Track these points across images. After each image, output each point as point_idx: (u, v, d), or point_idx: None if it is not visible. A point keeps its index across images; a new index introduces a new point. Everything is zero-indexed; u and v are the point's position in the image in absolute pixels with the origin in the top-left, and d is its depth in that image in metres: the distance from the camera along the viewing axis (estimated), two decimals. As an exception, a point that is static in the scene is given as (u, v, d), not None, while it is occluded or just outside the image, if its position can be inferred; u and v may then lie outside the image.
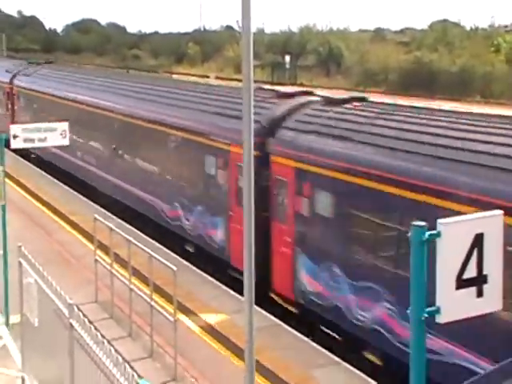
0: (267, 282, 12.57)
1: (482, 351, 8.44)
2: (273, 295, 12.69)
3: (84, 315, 7.87)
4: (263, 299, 11.80)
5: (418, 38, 64.71)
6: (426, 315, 3.87)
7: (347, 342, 10.94)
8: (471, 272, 3.91)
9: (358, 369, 10.12)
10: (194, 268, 14.46)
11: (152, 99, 19.15)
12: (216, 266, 14.42)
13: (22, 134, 14.08)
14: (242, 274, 6.96)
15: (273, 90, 16.23)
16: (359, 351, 10.59)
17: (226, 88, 21.23)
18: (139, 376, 7.37)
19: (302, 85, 55.60)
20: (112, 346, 7.11)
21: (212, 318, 11.99)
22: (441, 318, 3.88)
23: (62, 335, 8.03)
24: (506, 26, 59.40)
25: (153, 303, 10.79)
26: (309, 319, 11.81)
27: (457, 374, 8.59)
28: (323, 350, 10.71)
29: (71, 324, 7.72)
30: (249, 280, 6.58)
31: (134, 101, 19.83)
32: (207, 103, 16.48)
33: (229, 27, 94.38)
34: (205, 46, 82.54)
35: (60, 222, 18.35)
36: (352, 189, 10.80)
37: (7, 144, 12.77)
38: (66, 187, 22.36)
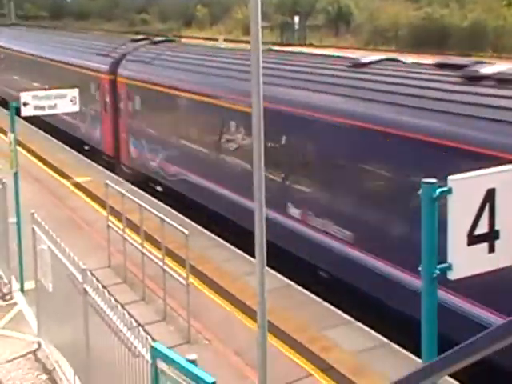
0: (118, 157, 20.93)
1: None
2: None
3: (97, 280, 7.93)
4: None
5: (429, -7, 63.66)
6: (438, 272, 3.84)
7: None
8: (483, 228, 3.86)
9: (371, 328, 10.16)
10: (206, 231, 14.51)
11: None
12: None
13: (33, 102, 14.05)
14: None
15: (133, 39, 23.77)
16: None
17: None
18: (153, 339, 7.45)
19: (311, 45, 55.01)
20: (126, 310, 7.20)
21: (224, 281, 12.05)
22: (452, 275, 3.85)
23: (76, 300, 8.10)
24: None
25: (165, 267, 10.84)
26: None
27: None
28: (336, 310, 10.75)
29: (85, 289, 7.78)
30: (260, 241, 6.57)
31: None
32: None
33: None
34: (213, 9, 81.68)
35: (72, 188, 18.42)
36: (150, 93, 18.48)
37: (18, 112, 12.76)
38: (77, 153, 22.41)
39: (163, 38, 23.55)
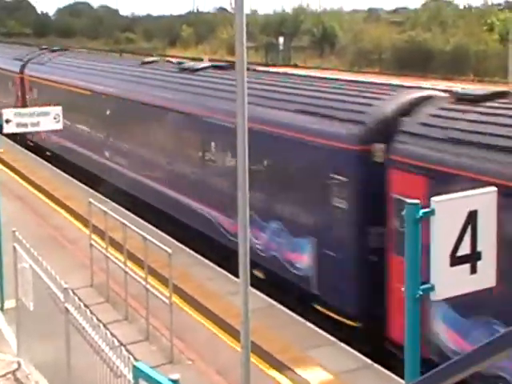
0: None
1: None
2: None
3: (79, 299, 7.87)
4: None
5: (412, 17, 64.48)
6: (421, 293, 3.87)
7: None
8: (465, 249, 3.90)
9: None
10: (189, 250, 14.47)
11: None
12: None
13: (15, 119, 13.99)
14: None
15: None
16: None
17: None
18: (135, 359, 7.39)
19: (295, 66, 55.39)
20: (108, 329, 7.12)
21: (207, 300, 12.01)
22: (435, 296, 3.88)
23: (58, 319, 8.03)
24: (500, 5, 59.21)
25: (148, 286, 10.79)
26: None
27: None
28: (319, 331, 10.74)
29: (67, 308, 7.71)
30: (243, 261, 6.58)
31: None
32: None
33: (222, 9, 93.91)
34: (198, 28, 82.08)
35: (54, 206, 18.31)
36: None
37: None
38: (60, 171, 22.30)
39: (59, 47, 32.56)
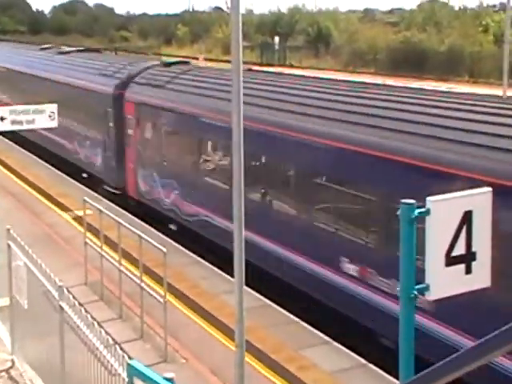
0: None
1: None
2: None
3: (74, 297, 7.87)
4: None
5: (407, 18, 64.59)
6: (416, 293, 3.88)
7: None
8: (460, 249, 3.92)
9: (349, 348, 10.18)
10: (184, 249, 14.46)
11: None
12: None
13: (10, 116, 13.96)
14: None
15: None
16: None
17: None
18: (130, 357, 7.39)
19: (291, 66, 55.41)
20: (102, 327, 7.13)
21: (202, 299, 12.02)
22: (430, 295, 3.89)
23: (52, 317, 8.03)
24: (495, 6, 59.42)
25: (143, 285, 10.79)
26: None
27: None
28: (313, 330, 10.76)
29: (61, 306, 7.71)
30: (239, 260, 6.59)
31: None
32: None
33: (217, 8, 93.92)
34: (194, 27, 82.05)
35: (49, 204, 18.28)
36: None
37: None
38: (55, 169, 22.26)
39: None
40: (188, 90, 17.08)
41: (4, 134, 23.34)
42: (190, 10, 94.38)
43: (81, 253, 13.17)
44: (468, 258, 3.96)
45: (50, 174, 21.63)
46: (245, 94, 6.68)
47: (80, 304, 7.76)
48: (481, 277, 4.02)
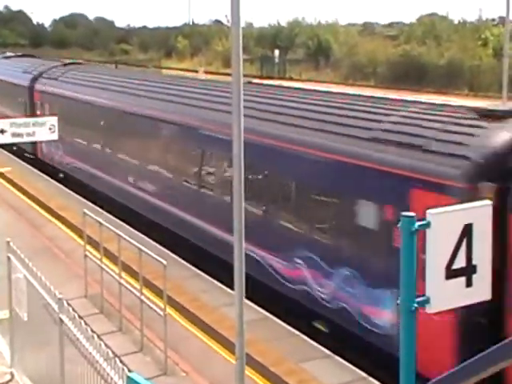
0: None
1: None
2: None
3: (74, 310, 7.85)
4: None
5: (407, 31, 64.87)
6: (416, 305, 3.88)
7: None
8: (460, 262, 3.92)
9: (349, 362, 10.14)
10: (184, 262, 14.44)
11: None
12: None
13: (10, 129, 13.99)
14: None
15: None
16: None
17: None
18: (129, 370, 7.37)
19: (291, 79, 55.59)
20: (102, 340, 7.11)
21: (202, 312, 11.99)
22: (430, 308, 3.89)
23: (52, 330, 8.01)
24: (494, 20, 59.59)
25: (143, 297, 10.77)
26: None
27: None
28: (314, 343, 10.73)
29: (61, 319, 7.70)
30: (239, 273, 6.59)
31: None
32: None
33: (217, 21, 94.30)
34: (194, 40, 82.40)
35: (49, 217, 18.27)
36: None
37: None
38: (55, 182, 22.28)
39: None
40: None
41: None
42: (190, 23, 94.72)
43: (81, 265, 13.15)
44: (468, 271, 3.96)
45: (50, 187, 21.64)
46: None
47: (80, 317, 7.75)
48: (481, 290, 4.02)
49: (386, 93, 31.70)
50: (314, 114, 12.91)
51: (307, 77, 56.76)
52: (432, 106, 12.04)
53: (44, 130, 14.62)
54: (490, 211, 4.10)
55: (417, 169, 9.52)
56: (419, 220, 3.91)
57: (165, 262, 10.17)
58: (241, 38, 6.46)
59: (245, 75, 7.78)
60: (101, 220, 12.53)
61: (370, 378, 9.64)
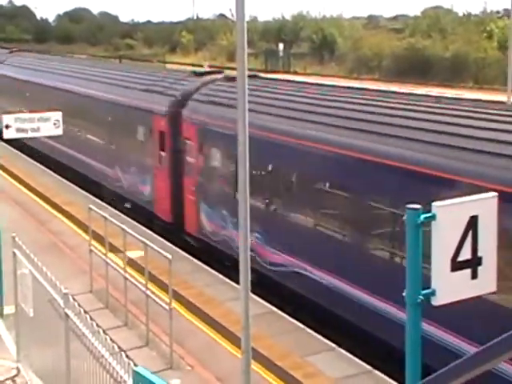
0: None
1: None
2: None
3: (79, 305, 7.85)
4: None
5: (411, 24, 64.63)
6: (422, 298, 3.86)
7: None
8: (466, 254, 3.90)
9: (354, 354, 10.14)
10: (189, 256, 14.45)
11: None
12: None
13: (15, 124, 13.99)
14: None
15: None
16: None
17: None
18: (135, 364, 7.37)
19: (295, 73, 55.50)
20: (108, 335, 7.11)
21: (207, 306, 12.00)
22: (436, 301, 3.88)
23: (58, 325, 8.02)
24: (499, 12, 59.31)
25: (148, 292, 10.78)
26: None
27: None
28: (319, 337, 10.73)
29: (66, 314, 7.70)
30: (244, 267, 6.58)
31: None
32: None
33: (222, 15, 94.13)
34: (198, 35, 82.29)
35: (54, 212, 18.30)
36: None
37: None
38: (60, 177, 22.30)
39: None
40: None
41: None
42: (195, 17, 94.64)
43: (86, 260, 13.17)
44: (474, 263, 3.94)
45: (56, 183, 21.67)
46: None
47: (85, 312, 7.75)
48: (487, 282, 4.00)
49: (390, 86, 31.56)
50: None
51: (312, 71, 56.62)
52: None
53: (49, 125, 14.62)
54: (495, 203, 4.08)
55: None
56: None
57: (170, 257, 10.17)
58: (245, 32, 6.43)
59: (249, 69, 7.77)
60: (106, 215, 12.53)
61: (375, 371, 9.64)
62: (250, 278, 6.61)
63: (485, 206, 4.02)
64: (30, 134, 14.35)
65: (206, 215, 15.25)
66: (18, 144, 25.16)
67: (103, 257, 12.38)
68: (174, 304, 10.73)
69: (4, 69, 32.23)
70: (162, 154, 17.09)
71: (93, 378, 6.94)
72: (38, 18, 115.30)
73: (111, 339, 6.99)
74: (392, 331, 9.55)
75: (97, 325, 7.25)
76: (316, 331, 10.86)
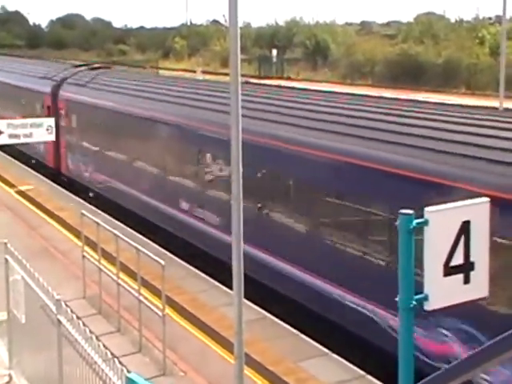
0: None
1: None
2: None
3: (72, 311, 7.83)
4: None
5: (404, 30, 64.89)
6: (415, 303, 3.87)
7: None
8: (458, 259, 3.91)
9: (347, 359, 10.14)
10: (182, 262, 14.43)
11: None
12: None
13: (7, 130, 13.97)
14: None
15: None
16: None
17: None
18: (128, 371, 7.35)
19: (289, 78, 55.58)
20: (100, 341, 7.08)
21: (200, 312, 11.98)
22: (429, 305, 3.88)
23: (50, 331, 7.98)
24: (491, 18, 59.62)
25: (141, 298, 10.75)
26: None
27: None
28: (312, 342, 10.72)
29: (59, 320, 7.67)
30: (238, 273, 6.58)
31: None
32: None
33: (215, 21, 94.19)
34: (191, 41, 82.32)
35: (46, 217, 18.24)
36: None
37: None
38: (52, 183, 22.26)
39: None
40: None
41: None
42: (188, 23, 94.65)
43: (79, 266, 13.13)
44: (466, 268, 3.95)
45: (48, 188, 21.61)
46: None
47: (78, 318, 7.72)
48: (479, 286, 4.01)
49: (382, 92, 31.64)
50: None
51: (305, 76, 56.73)
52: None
53: (41, 130, 14.60)
54: (487, 208, 4.10)
55: None
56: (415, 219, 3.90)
57: (163, 263, 10.15)
58: (238, 38, 6.44)
59: (243, 75, 7.77)
60: (98, 221, 12.51)
61: (368, 376, 9.64)
62: (243, 284, 6.61)
63: (477, 211, 4.03)
64: (23, 140, 14.32)
65: (71, 160, 23.10)
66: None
67: (96, 263, 12.35)
68: (167, 310, 10.71)
69: None
70: None
71: (85, 384, 6.91)
72: (31, 23, 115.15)
73: (104, 345, 6.97)
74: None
75: (89, 331, 7.22)
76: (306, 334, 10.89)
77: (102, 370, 6.51)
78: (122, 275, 11.85)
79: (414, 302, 3.86)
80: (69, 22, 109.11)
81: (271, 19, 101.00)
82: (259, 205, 12.88)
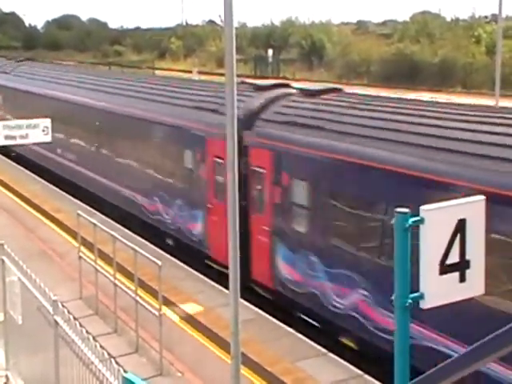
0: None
1: None
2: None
3: (69, 312, 7.82)
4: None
5: (400, 29, 64.94)
6: (410, 301, 3.87)
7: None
8: (454, 257, 3.91)
9: (341, 357, 10.15)
10: (179, 262, 14.42)
11: None
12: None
13: (3, 131, 13.94)
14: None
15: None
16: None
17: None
18: (125, 371, 7.34)
19: (284, 78, 55.64)
20: (97, 341, 7.08)
21: (197, 312, 11.97)
22: (424, 304, 3.88)
23: (47, 332, 7.97)
24: (487, 17, 59.71)
25: (138, 298, 10.75)
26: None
27: None
28: (309, 342, 10.72)
29: (56, 321, 7.66)
30: (233, 273, 6.57)
31: None
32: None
33: (211, 22, 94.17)
34: (187, 41, 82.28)
35: (43, 219, 18.22)
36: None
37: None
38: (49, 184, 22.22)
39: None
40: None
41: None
42: (184, 23, 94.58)
43: (75, 267, 13.12)
44: (462, 266, 3.95)
45: (44, 189, 21.58)
46: None
47: (75, 318, 7.70)
48: (475, 285, 4.02)
49: (379, 92, 31.70)
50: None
51: (301, 76, 56.75)
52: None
53: (37, 131, 14.57)
54: (483, 206, 4.10)
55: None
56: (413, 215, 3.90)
57: (160, 263, 10.15)
58: (234, 38, 6.45)
59: (238, 75, 7.78)
60: (95, 221, 12.49)
61: (366, 376, 9.65)
62: (239, 284, 6.61)
63: (473, 209, 4.03)
64: (19, 141, 14.29)
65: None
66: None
67: (93, 263, 12.33)
68: (164, 310, 10.70)
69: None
70: None
71: (82, 385, 6.90)
72: (27, 24, 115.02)
73: (101, 346, 6.96)
74: None
75: (86, 331, 7.21)
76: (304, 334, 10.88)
77: (99, 371, 6.50)
78: (118, 276, 11.84)
79: (410, 301, 3.86)
80: (64, 23, 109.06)
81: (267, 19, 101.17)
82: None
